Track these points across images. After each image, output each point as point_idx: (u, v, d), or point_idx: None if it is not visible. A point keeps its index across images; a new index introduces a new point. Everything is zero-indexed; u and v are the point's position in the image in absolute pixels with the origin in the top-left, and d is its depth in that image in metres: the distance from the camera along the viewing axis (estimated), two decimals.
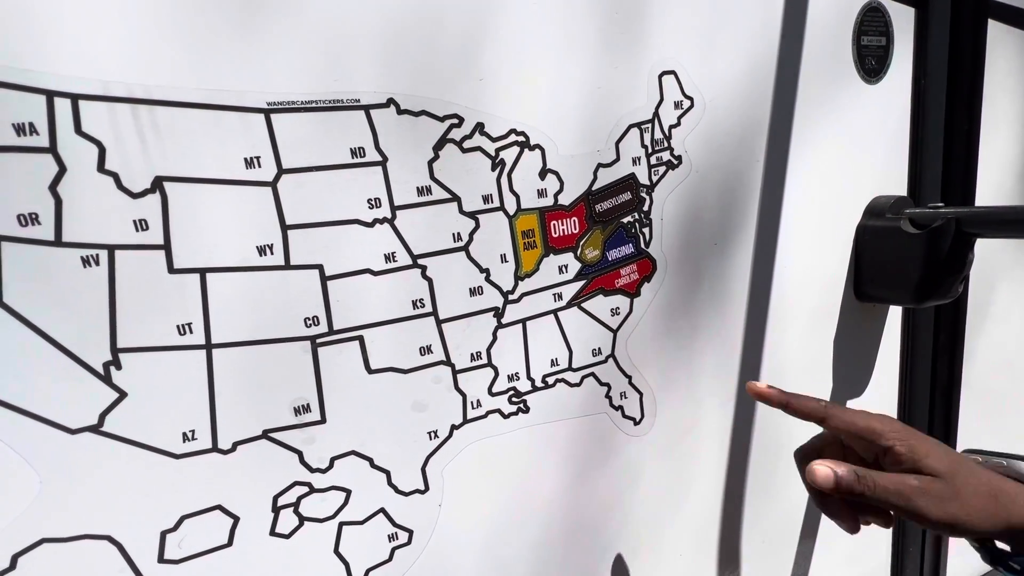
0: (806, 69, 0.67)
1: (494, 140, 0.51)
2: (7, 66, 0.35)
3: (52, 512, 0.39)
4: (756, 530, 0.74)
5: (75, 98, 0.37)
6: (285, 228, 0.44)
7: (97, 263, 0.39)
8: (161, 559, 0.42)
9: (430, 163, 0.49)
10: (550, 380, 0.57)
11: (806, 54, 0.67)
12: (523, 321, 0.55)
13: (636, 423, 0.63)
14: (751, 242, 0.67)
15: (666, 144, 0.60)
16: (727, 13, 0.61)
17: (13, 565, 0.38)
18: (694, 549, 0.70)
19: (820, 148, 0.70)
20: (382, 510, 0.51)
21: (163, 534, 0.42)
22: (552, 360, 0.57)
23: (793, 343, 0.73)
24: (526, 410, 0.56)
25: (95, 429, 0.40)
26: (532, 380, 0.56)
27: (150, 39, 0.39)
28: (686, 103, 0.60)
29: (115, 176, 0.39)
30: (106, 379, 0.40)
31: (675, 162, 0.61)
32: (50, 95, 0.37)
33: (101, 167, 0.38)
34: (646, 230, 0.60)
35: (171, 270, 0.41)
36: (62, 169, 0.37)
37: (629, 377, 0.61)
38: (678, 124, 0.60)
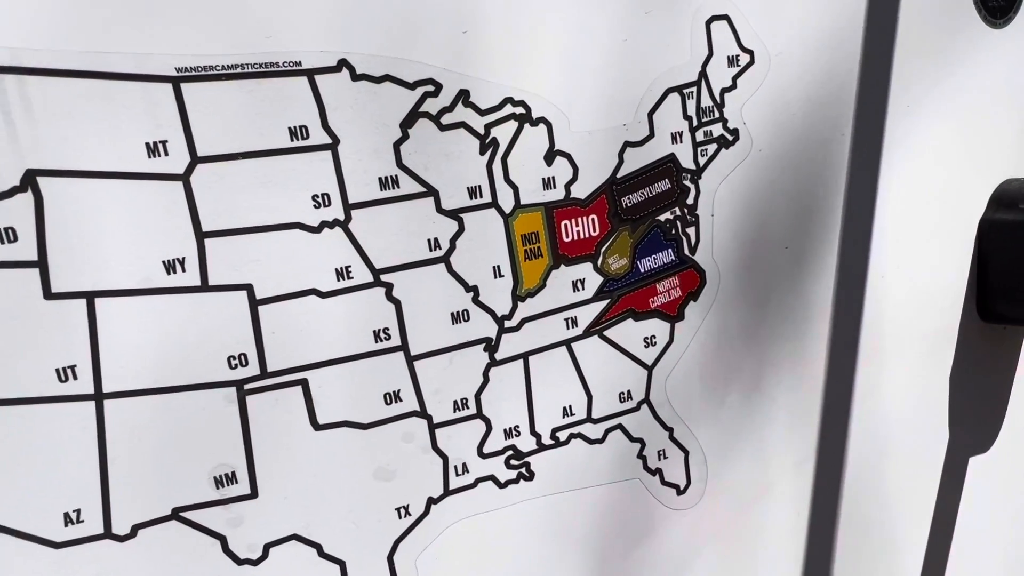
0: (908, 10, 0.66)
1: (483, 113, 0.51)
2: None
3: None
4: None
5: None
6: (201, 236, 0.44)
7: None
8: None
9: (397, 145, 0.49)
10: (562, 436, 0.57)
11: None
12: (525, 356, 0.55)
13: (680, 492, 0.62)
14: (835, 245, 0.66)
15: (717, 114, 0.59)
16: None
17: None
18: None
19: (928, 116, 0.69)
20: None
21: None
22: (565, 408, 0.57)
23: (895, 380, 0.72)
24: (529, 476, 0.56)
25: None
26: (538, 436, 0.56)
27: None
28: (744, 59, 0.60)
29: None
30: None
31: (729, 138, 0.60)
32: None
33: None
34: (691, 231, 0.60)
35: (48, 295, 0.41)
36: None
37: (670, 430, 0.61)
38: (733, 87, 0.60)
